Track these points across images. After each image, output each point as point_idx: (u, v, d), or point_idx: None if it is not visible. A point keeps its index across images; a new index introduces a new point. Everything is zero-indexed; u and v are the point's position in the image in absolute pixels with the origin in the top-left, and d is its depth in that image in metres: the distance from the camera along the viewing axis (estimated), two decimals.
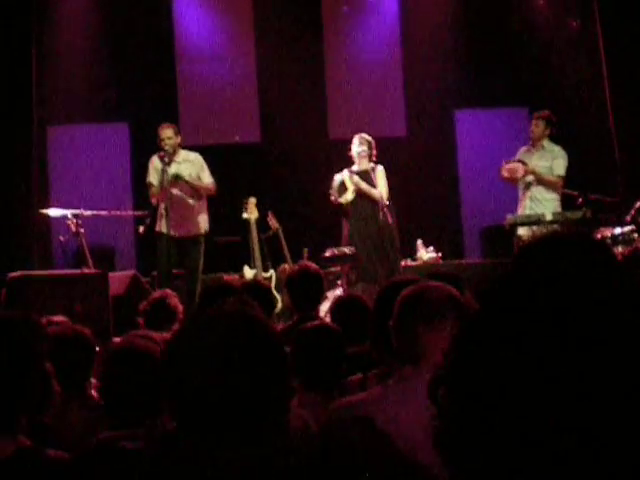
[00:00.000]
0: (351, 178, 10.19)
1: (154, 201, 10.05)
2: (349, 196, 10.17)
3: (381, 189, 10.18)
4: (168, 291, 7.35)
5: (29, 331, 2.75)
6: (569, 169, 10.49)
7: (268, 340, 1.98)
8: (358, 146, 10.30)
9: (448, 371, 1.16)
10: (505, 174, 10.44)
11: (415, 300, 3.02)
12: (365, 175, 10.22)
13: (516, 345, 1.09)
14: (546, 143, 10.54)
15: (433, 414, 1.19)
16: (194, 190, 9.99)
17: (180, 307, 6.87)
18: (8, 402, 2.74)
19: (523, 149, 10.68)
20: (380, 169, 10.32)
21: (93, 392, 4.48)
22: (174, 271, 9.98)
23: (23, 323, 2.74)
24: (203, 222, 10.17)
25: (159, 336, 4.80)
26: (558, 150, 10.51)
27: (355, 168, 10.30)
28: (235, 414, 1.89)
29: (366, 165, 10.29)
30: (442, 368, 1.18)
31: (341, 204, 10.26)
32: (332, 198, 10.29)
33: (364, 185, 10.15)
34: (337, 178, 10.28)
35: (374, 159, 10.36)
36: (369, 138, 10.38)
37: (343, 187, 10.23)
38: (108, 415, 3.53)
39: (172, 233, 9.72)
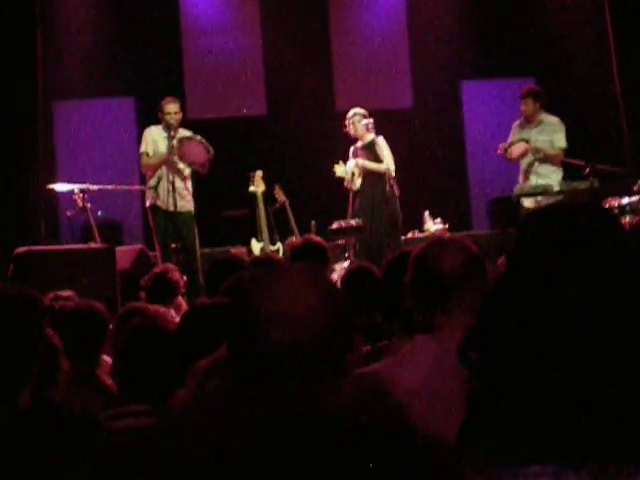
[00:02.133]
0: (357, 164, 10.17)
1: (148, 173, 9.99)
2: (358, 182, 10.17)
3: (386, 160, 10.16)
4: (170, 265, 7.38)
5: (29, 306, 2.74)
6: (576, 139, 10.46)
7: (332, 296, 1.97)
8: (354, 124, 10.26)
9: (481, 334, 1.17)
10: (500, 152, 10.43)
11: (427, 272, 2.95)
12: (370, 149, 10.20)
13: (542, 306, 1.11)
14: (543, 116, 10.49)
15: (465, 377, 1.20)
16: (189, 164, 9.88)
17: (182, 281, 6.89)
18: (7, 377, 2.73)
19: (517, 123, 10.64)
20: (382, 140, 10.29)
21: (104, 374, 4.49)
22: (172, 245, 9.96)
23: (22, 298, 2.73)
24: (192, 198, 10.10)
25: (161, 309, 4.82)
26: (556, 122, 10.46)
27: (359, 144, 10.28)
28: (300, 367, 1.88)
29: (367, 138, 10.27)
30: (472, 332, 1.18)
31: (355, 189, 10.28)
32: (346, 184, 10.26)
33: (370, 165, 10.12)
34: (349, 169, 10.21)
35: (370, 129, 10.33)
36: (359, 111, 10.38)
37: (352, 175, 10.23)
38: (121, 391, 3.54)
39: (170, 208, 9.65)
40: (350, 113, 10.39)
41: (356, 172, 10.20)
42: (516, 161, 10.49)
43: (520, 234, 1.24)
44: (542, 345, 1.13)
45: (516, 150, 10.36)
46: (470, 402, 1.19)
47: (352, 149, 10.36)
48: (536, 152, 10.32)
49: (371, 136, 10.28)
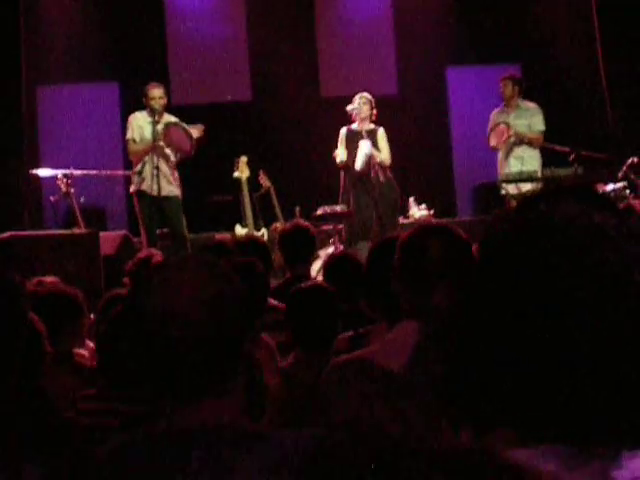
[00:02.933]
0: (372, 151, 10.04)
1: (135, 158, 9.97)
2: (359, 162, 10.11)
3: (384, 151, 10.14)
4: (153, 250, 7.36)
5: (11, 291, 2.72)
6: (561, 125, 10.51)
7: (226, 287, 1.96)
8: (358, 105, 10.17)
9: (455, 323, 1.17)
10: (493, 142, 10.49)
11: (416, 253, 2.94)
12: (371, 136, 10.15)
13: (525, 293, 1.11)
14: (520, 102, 10.66)
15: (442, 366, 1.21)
16: (176, 150, 9.87)
17: None
18: None
19: (496, 111, 10.76)
20: (382, 131, 10.25)
21: (80, 356, 4.48)
22: (157, 231, 9.94)
23: (4, 283, 2.72)
24: (178, 183, 10.08)
25: None
26: (534, 107, 10.64)
27: (354, 127, 10.20)
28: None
29: (367, 126, 10.21)
30: (448, 320, 1.19)
31: (340, 164, 10.20)
32: (340, 159, 10.18)
33: (375, 153, 10.07)
34: (359, 156, 10.05)
35: (374, 120, 10.30)
36: (371, 98, 10.29)
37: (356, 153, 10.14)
38: (102, 376, 3.53)
39: (155, 192, 9.64)
40: (364, 94, 10.30)
41: (360, 155, 10.07)
42: (498, 148, 10.53)
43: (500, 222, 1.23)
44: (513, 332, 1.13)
45: (497, 135, 10.42)
46: (443, 385, 1.20)
47: (345, 130, 10.25)
48: (516, 136, 10.39)
49: (372, 125, 10.24)
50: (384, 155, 10.13)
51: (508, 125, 10.40)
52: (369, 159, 9.98)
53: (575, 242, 1.12)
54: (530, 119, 10.54)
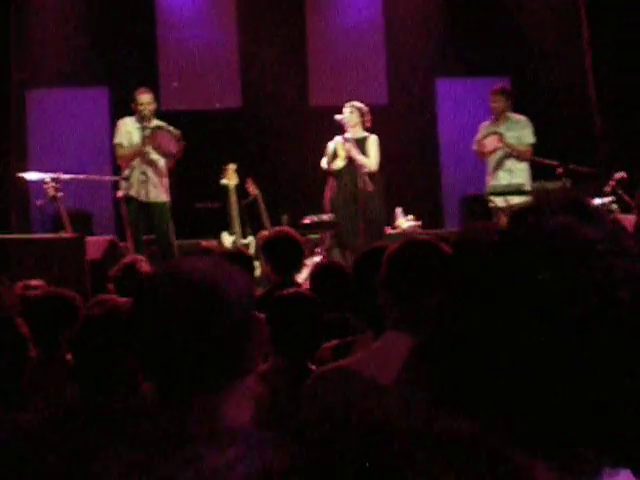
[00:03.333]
0: (343, 145, 10.09)
1: (123, 163, 9.97)
2: (339, 163, 10.10)
3: (371, 158, 10.12)
4: (138, 256, 7.34)
5: None
6: (549, 139, 10.54)
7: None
8: (347, 114, 10.18)
9: (439, 333, 1.17)
10: (477, 148, 10.51)
11: (403, 266, 2.96)
12: (362, 143, 10.15)
13: (507, 300, 1.11)
14: (510, 115, 10.68)
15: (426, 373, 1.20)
16: (163, 154, 9.87)
17: (150, 272, 6.85)
18: None
19: (486, 124, 10.77)
20: (373, 138, 10.24)
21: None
22: (144, 237, 9.94)
23: None
24: (167, 189, 10.08)
25: (125, 301, 4.79)
26: (524, 119, 10.68)
27: (349, 135, 10.19)
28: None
29: (359, 133, 10.21)
30: (432, 330, 1.18)
31: (327, 171, 10.21)
32: (323, 165, 10.22)
33: (355, 152, 10.06)
34: (330, 145, 10.20)
35: (367, 127, 10.29)
36: (360, 105, 10.28)
37: (335, 154, 10.16)
38: (78, 381, 3.51)
39: (142, 198, 9.65)
40: (353, 102, 10.31)
41: (341, 154, 10.11)
42: (488, 156, 10.55)
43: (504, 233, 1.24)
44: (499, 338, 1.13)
45: (489, 143, 10.45)
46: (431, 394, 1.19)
47: (339, 139, 10.24)
48: (507, 147, 10.42)
49: (362, 132, 10.24)
50: (370, 161, 10.10)
51: (501, 135, 10.43)
52: (356, 167, 9.98)
53: (563, 256, 1.12)
54: (520, 132, 10.56)
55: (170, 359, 1.86)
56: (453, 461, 0.86)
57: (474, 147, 10.58)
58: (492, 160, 10.57)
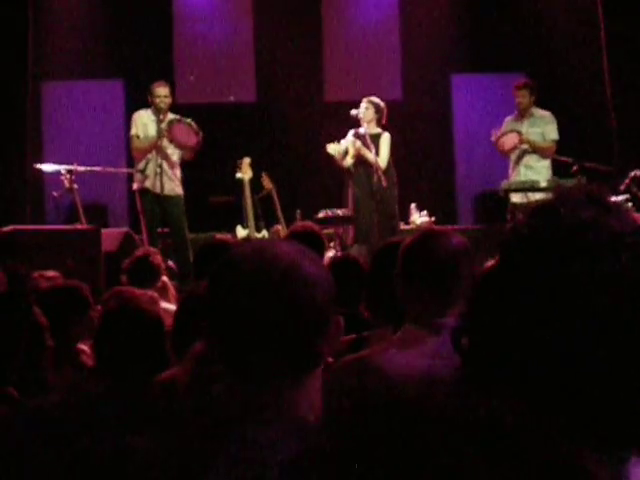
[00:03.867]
0: (354, 143, 10.09)
1: (138, 156, 9.99)
2: (349, 161, 10.10)
3: (382, 155, 10.12)
4: (151, 249, 7.38)
5: (16, 285, 2.74)
6: (565, 136, 10.50)
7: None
8: (363, 109, 10.16)
9: (472, 320, 1.18)
10: (502, 148, 10.47)
11: (419, 261, 2.97)
12: (376, 140, 10.14)
13: (539, 292, 1.12)
14: (534, 110, 10.59)
15: (457, 363, 1.21)
16: (180, 146, 9.89)
17: (163, 265, 6.88)
18: None
19: (509, 119, 10.72)
20: (386, 136, 10.23)
21: (84, 354, 4.48)
22: (158, 230, 9.96)
23: (11, 276, 2.73)
24: (181, 183, 10.10)
25: (142, 293, 4.81)
26: (548, 115, 10.57)
27: (362, 131, 10.18)
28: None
29: (373, 129, 10.20)
30: (464, 319, 1.19)
31: (345, 167, 10.23)
32: (338, 160, 10.21)
33: (365, 151, 10.06)
34: (343, 142, 10.19)
35: (382, 124, 10.29)
36: (377, 101, 10.25)
37: (346, 152, 10.17)
38: (101, 373, 3.53)
39: (157, 190, 9.68)
40: (371, 97, 10.30)
41: (350, 151, 10.12)
42: (507, 154, 10.52)
43: (517, 227, 1.25)
44: (530, 333, 1.14)
45: (508, 142, 10.41)
46: (459, 387, 1.20)
47: (352, 132, 10.25)
48: (527, 144, 10.37)
49: (375, 128, 10.23)
50: (381, 158, 10.10)
51: (520, 133, 10.38)
52: (370, 164, 9.99)
53: (593, 248, 1.14)
54: (544, 127, 10.48)
55: (250, 342, 1.83)
56: (488, 447, 0.87)
57: (493, 139, 10.52)
58: (513, 156, 10.53)
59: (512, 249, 1.20)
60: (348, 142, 10.14)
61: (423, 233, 3.10)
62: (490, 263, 1.27)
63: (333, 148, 10.15)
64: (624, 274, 1.11)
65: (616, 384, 1.10)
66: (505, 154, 10.57)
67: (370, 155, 10.01)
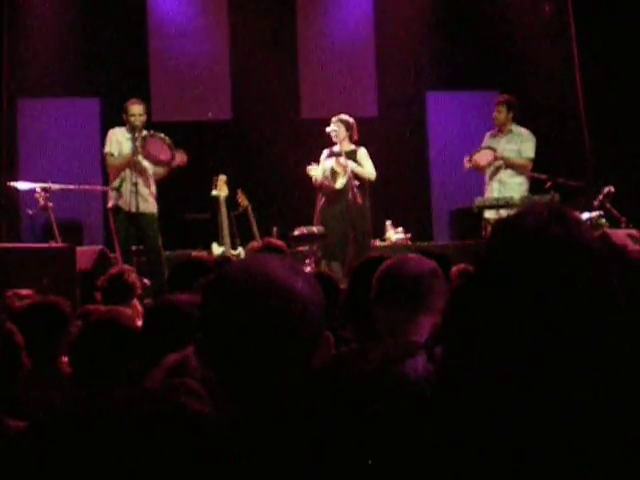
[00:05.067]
0: (338, 161, 10.12)
1: (113, 173, 9.97)
2: (342, 180, 10.12)
3: (368, 168, 10.19)
4: (126, 267, 7.34)
5: None
6: (538, 153, 10.55)
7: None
8: (332, 128, 10.22)
9: (447, 331, 1.20)
10: (467, 165, 10.51)
11: (394, 281, 3.05)
12: (352, 156, 10.18)
13: (511, 305, 1.13)
14: (513, 127, 10.62)
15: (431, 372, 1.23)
16: (155, 162, 9.88)
17: (138, 283, 6.85)
18: None
19: (489, 134, 10.76)
20: (363, 151, 10.29)
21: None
22: (133, 247, 9.94)
23: None
24: (155, 200, 10.09)
25: (120, 310, 4.79)
26: (526, 133, 10.59)
27: (336, 149, 10.23)
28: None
29: (346, 147, 10.24)
30: (439, 330, 1.21)
31: (315, 182, 10.24)
32: (326, 183, 10.19)
33: (354, 165, 10.11)
34: (327, 166, 10.18)
35: (355, 140, 10.32)
36: (346, 118, 10.30)
37: (334, 173, 10.18)
38: (77, 385, 3.52)
39: (132, 209, 9.65)
40: (342, 116, 10.33)
41: (340, 171, 10.13)
42: (482, 170, 10.55)
43: (490, 240, 1.26)
44: (500, 346, 1.16)
45: (482, 158, 10.43)
46: (434, 394, 1.22)
47: (327, 152, 10.29)
48: (502, 160, 10.39)
49: (349, 145, 10.27)
50: (368, 170, 10.17)
51: (495, 150, 10.42)
52: (348, 181, 10.02)
53: (566, 259, 1.15)
54: (520, 145, 10.51)
55: (242, 359, 1.83)
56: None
57: (466, 164, 10.54)
58: (488, 171, 10.57)
59: (483, 266, 1.21)
60: (331, 163, 10.15)
61: (396, 258, 3.19)
62: (457, 268, 1.30)
63: (316, 170, 10.18)
64: (593, 287, 1.13)
65: (584, 388, 1.12)
66: (480, 170, 10.60)
67: (359, 169, 10.08)
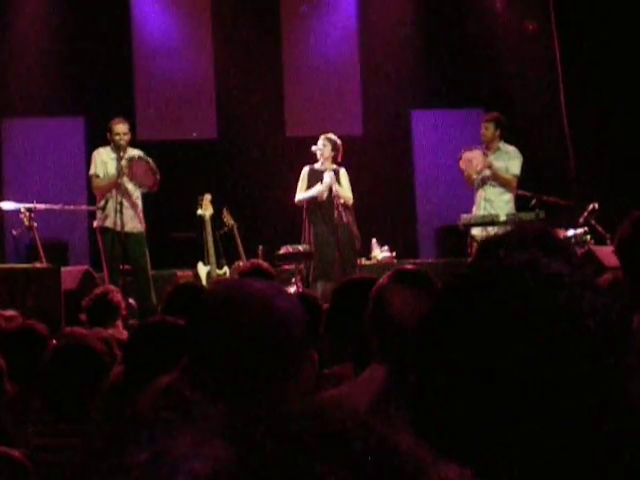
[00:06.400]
0: (329, 173, 10.11)
1: (99, 194, 9.96)
2: (325, 193, 10.13)
3: (347, 191, 10.18)
4: (111, 287, 7.33)
5: None
6: (524, 170, 10.56)
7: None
8: (320, 145, 10.23)
9: (415, 359, 1.20)
10: (462, 165, 10.50)
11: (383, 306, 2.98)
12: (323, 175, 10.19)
13: (474, 334, 1.13)
14: (501, 145, 10.60)
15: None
16: (139, 184, 9.88)
17: (123, 303, 6.85)
18: None
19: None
20: (343, 172, 10.29)
21: None
22: (120, 267, 9.91)
23: None
24: (142, 219, 10.08)
25: (102, 332, 4.78)
26: (514, 150, 10.59)
27: (317, 166, 10.25)
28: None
29: (328, 166, 10.24)
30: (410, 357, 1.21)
31: (298, 203, 10.25)
32: (324, 195, 10.20)
33: (336, 185, 10.12)
34: (327, 181, 10.14)
35: (338, 161, 10.33)
36: (334, 138, 10.31)
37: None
38: (48, 410, 3.50)
39: (118, 228, 9.64)
40: (330, 135, 10.33)
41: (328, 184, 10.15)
42: (472, 180, 10.50)
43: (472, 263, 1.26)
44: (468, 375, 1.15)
45: (474, 158, 10.38)
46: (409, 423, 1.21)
47: (307, 169, 10.29)
48: (490, 169, 10.36)
49: (331, 165, 10.27)
50: (346, 192, 10.17)
51: (485, 154, 10.41)
52: (333, 198, 10.04)
53: (531, 290, 1.15)
54: (507, 162, 10.49)
55: (228, 379, 1.84)
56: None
57: (461, 163, 10.52)
58: (475, 187, 10.55)
59: (449, 292, 1.21)
60: (326, 183, 10.12)
61: (394, 272, 3.12)
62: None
63: (298, 195, 10.20)
64: (560, 313, 1.13)
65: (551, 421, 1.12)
66: (470, 180, 10.54)
67: (341, 190, 10.09)
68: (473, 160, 10.45)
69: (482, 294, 1.17)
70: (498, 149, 10.57)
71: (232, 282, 1.98)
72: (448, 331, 1.17)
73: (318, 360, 4.21)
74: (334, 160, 10.28)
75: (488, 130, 10.59)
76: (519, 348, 1.12)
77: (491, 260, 1.21)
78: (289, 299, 1.99)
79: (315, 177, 10.22)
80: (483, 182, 10.49)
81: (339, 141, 10.30)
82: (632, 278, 2.99)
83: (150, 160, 9.78)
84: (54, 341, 4.77)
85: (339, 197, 10.03)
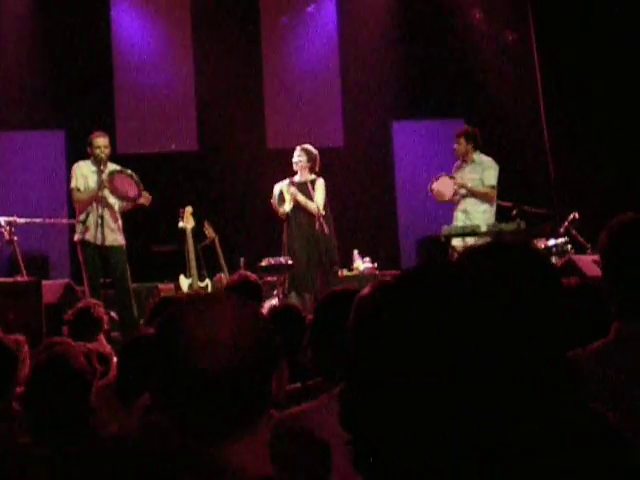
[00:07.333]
0: (289, 189, 10.14)
1: (79, 208, 9.92)
2: (287, 207, 10.13)
3: (318, 201, 10.15)
4: (93, 300, 7.31)
5: None
6: (504, 181, 10.59)
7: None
8: (296, 157, 10.26)
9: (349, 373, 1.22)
10: (437, 198, 10.55)
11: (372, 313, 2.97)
12: (304, 187, 10.17)
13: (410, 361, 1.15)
14: (476, 156, 10.62)
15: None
16: (120, 198, 9.85)
17: (105, 317, 6.83)
18: None
19: (455, 165, 10.80)
20: (320, 182, 10.29)
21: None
22: (101, 280, 9.89)
23: None
24: (122, 232, 10.06)
25: (82, 346, 4.76)
26: (488, 161, 10.60)
27: (297, 178, 10.26)
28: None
29: (307, 177, 10.25)
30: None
31: (282, 215, 10.25)
32: (274, 208, 10.26)
33: (301, 197, 10.10)
34: (276, 188, 10.26)
35: (316, 171, 10.33)
36: (310, 149, 10.31)
37: (282, 198, 10.19)
38: (29, 425, 3.49)
39: (99, 242, 9.60)
40: (306, 145, 10.34)
41: (287, 197, 10.14)
42: (451, 201, 10.55)
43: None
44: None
45: (445, 189, 10.44)
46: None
47: (289, 180, 10.29)
48: (462, 188, 10.42)
49: (308, 176, 10.27)
50: (316, 203, 10.11)
51: (453, 178, 10.46)
52: (313, 213, 10.05)
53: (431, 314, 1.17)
54: (482, 173, 10.52)
55: (192, 399, 1.83)
56: None
57: (434, 196, 10.57)
58: (456, 203, 10.58)
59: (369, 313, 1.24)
60: (282, 187, 10.18)
61: (376, 284, 3.11)
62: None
63: (284, 207, 10.20)
64: (486, 327, 1.14)
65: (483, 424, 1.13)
66: (448, 202, 10.60)
67: (306, 201, 10.06)
68: (445, 191, 10.50)
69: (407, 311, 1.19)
70: (473, 161, 10.60)
71: (190, 304, 1.96)
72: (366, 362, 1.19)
73: (302, 372, 4.23)
74: (311, 170, 10.28)
75: (460, 145, 10.65)
76: (442, 362, 1.13)
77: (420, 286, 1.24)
78: (253, 317, 1.98)
79: (297, 189, 10.22)
80: (461, 195, 10.52)
81: (315, 151, 10.30)
82: (611, 286, 3.01)
83: (130, 172, 9.75)
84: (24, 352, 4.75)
85: (319, 210, 10.02)
